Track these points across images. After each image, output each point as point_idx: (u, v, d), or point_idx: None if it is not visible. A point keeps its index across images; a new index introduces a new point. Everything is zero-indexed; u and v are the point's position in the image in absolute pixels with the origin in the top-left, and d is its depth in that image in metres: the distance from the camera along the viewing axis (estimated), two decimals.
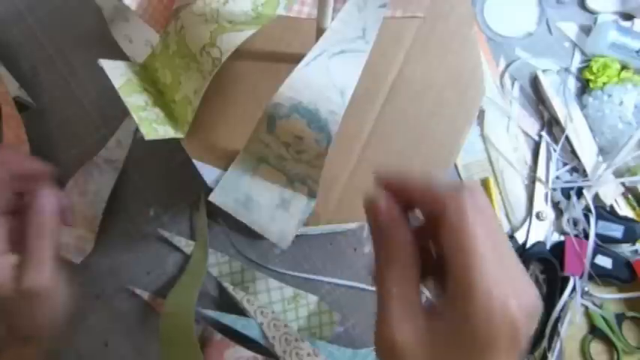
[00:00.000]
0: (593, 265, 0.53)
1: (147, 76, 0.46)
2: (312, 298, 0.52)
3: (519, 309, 0.23)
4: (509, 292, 0.24)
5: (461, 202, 0.25)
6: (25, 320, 0.36)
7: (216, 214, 0.53)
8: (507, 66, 0.58)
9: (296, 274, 0.53)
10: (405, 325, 0.26)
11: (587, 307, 0.54)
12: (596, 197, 0.55)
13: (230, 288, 0.51)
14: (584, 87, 0.57)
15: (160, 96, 0.45)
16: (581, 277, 0.52)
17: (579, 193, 0.55)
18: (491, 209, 0.26)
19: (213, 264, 0.53)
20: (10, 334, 0.37)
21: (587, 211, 0.54)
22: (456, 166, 0.56)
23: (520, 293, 0.24)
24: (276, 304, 0.52)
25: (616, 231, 0.53)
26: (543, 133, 0.56)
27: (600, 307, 0.54)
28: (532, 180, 0.56)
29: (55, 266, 0.35)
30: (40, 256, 0.35)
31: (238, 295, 0.51)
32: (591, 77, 0.56)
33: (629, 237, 0.53)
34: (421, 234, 0.28)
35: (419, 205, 0.28)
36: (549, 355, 0.51)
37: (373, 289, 0.53)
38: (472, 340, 0.24)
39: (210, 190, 0.45)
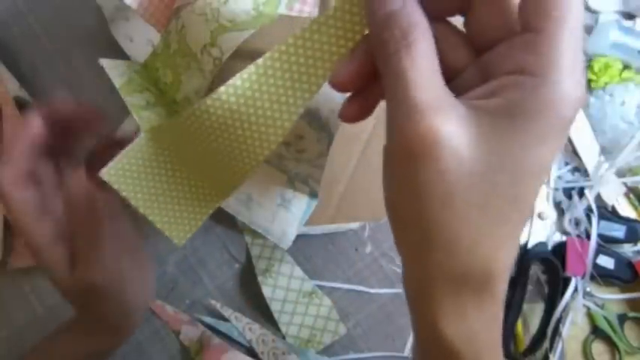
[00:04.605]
0: (595, 265, 0.53)
1: (148, 76, 0.46)
2: (327, 302, 0.52)
3: (579, 100, 0.20)
4: (577, 77, 0.20)
5: None
6: (114, 307, 0.36)
7: (216, 214, 0.53)
8: None
9: None
10: (447, 112, 0.20)
11: (588, 308, 0.53)
12: (598, 197, 0.55)
13: (218, 305, 0.51)
14: (586, 87, 0.57)
15: (160, 95, 0.45)
16: (582, 277, 0.52)
17: (581, 193, 0.54)
18: None
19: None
20: (99, 322, 0.37)
21: (588, 211, 0.54)
22: None
23: (580, 79, 0.20)
24: (291, 292, 0.52)
25: (618, 231, 0.53)
26: None
27: (602, 307, 0.53)
28: None
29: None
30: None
31: (227, 312, 0.51)
32: (593, 77, 0.56)
33: (631, 237, 0.53)
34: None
35: None
36: (551, 356, 0.51)
37: (374, 290, 0.53)
38: (533, 129, 0.20)
39: None
